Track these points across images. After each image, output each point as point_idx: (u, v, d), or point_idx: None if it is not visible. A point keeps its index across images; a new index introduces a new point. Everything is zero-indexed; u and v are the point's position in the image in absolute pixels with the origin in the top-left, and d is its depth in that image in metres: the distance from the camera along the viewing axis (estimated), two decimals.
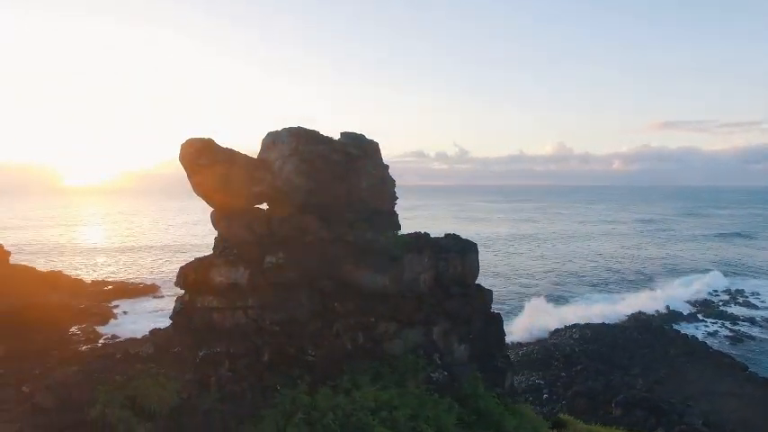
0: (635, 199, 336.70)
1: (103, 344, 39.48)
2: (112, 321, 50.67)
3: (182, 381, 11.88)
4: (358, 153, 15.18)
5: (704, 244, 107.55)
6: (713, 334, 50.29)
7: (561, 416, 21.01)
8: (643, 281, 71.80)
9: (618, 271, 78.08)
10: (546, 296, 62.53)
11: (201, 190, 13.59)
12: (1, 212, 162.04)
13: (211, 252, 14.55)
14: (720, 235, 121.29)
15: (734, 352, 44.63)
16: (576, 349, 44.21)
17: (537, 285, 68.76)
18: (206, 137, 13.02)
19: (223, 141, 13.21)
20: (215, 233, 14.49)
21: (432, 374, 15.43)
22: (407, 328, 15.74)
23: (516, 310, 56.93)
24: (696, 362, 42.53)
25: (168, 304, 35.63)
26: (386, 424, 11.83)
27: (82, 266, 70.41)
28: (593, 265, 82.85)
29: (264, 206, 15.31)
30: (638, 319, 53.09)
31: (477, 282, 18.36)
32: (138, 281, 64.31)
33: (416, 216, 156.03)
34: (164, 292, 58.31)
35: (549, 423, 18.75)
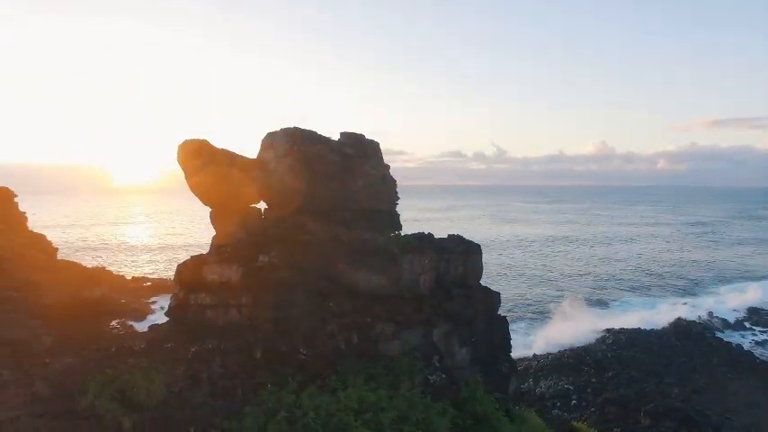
0: (682, 200, 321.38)
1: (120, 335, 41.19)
2: (150, 317, 52.72)
3: (172, 375, 12.21)
4: (355, 153, 15.14)
5: (757, 249, 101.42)
6: (762, 344, 47.39)
7: (575, 423, 20.29)
8: (686, 286, 68.48)
9: (659, 275, 74.78)
10: (580, 299, 60.66)
11: (198, 190, 13.90)
12: (52, 211, 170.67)
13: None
14: None
15: None
16: (609, 355, 42.67)
17: (572, 288, 66.82)
18: (201, 138, 13.31)
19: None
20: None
21: (429, 377, 15.20)
22: (406, 330, 15.57)
23: (548, 313, 55.55)
24: (740, 372, 40.14)
25: None
26: (369, 425, 11.71)
27: (124, 263, 73.64)
28: (632, 268, 79.69)
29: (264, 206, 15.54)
30: (678, 326, 50.68)
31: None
32: None
33: (451, 217, 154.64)
34: None
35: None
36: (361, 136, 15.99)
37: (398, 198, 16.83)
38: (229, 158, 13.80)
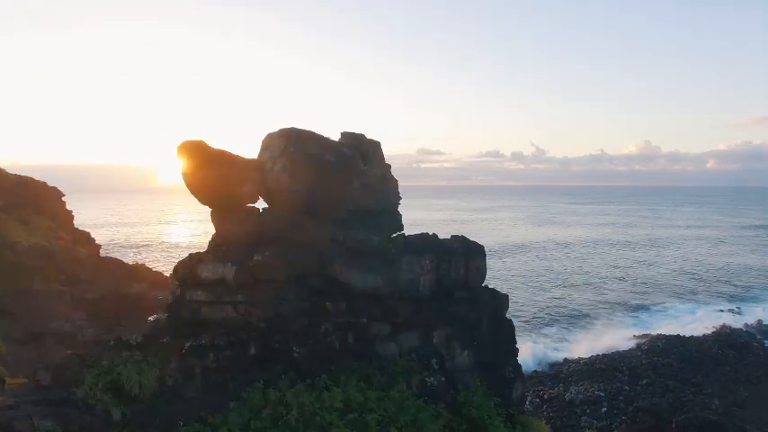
0: (733, 201, 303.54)
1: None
2: None
3: (166, 369, 12.63)
4: (353, 153, 15.15)
5: None
6: None
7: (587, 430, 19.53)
8: (734, 292, 64.70)
9: (704, 280, 71.06)
10: (616, 303, 58.47)
11: (195, 190, 14.26)
12: (97, 210, 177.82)
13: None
14: None
15: None
16: (644, 361, 41.04)
17: (609, 292, 64.56)
18: (198, 139, 13.68)
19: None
20: None
21: (426, 379, 15.01)
22: (403, 331, 15.45)
23: (583, 317, 53.95)
24: None
25: None
26: (353, 426, 11.68)
27: (163, 260, 76.43)
28: (675, 272, 76.06)
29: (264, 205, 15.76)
30: (721, 334, 48.01)
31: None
32: None
33: (487, 218, 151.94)
34: None
35: None
36: (361, 136, 15.97)
37: (400, 198, 16.70)
38: (227, 159, 14.11)
